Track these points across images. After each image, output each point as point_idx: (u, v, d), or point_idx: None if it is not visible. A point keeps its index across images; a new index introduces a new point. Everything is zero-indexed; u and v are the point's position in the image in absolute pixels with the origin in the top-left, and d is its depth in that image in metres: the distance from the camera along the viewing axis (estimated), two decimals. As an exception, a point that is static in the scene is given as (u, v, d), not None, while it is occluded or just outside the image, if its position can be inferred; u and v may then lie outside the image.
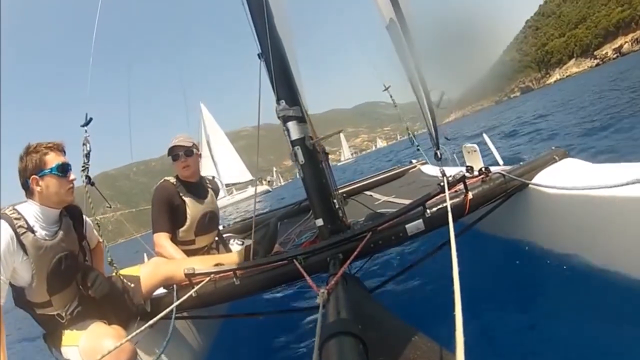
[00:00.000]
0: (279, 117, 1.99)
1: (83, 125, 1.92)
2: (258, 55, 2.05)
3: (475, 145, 2.44)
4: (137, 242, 2.71)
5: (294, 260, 1.73)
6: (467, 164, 2.43)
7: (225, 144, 37.04)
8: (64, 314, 1.65)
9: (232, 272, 1.79)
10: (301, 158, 1.96)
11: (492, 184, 1.87)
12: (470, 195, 1.80)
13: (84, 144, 1.90)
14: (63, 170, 1.62)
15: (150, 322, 1.42)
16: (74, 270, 1.70)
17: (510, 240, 2.19)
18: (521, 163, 2.07)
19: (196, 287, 1.76)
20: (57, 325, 1.66)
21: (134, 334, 1.43)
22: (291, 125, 1.97)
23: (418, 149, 3.97)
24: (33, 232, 1.55)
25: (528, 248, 2.04)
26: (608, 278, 1.55)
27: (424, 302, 1.90)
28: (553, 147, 2.15)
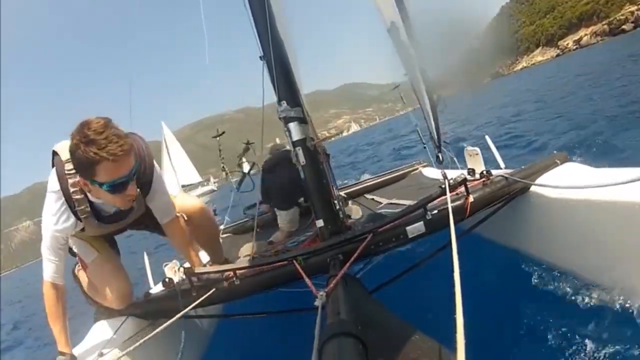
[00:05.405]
0: (280, 118, 1.99)
1: (215, 137, 2.47)
2: (260, 57, 2.06)
3: (477, 148, 2.44)
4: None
5: (294, 261, 1.73)
6: (469, 166, 2.42)
7: (180, 152, 47.66)
8: None
9: (232, 272, 1.79)
10: (302, 159, 1.96)
11: (493, 187, 1.86)
12: (471, 198, 1.79)
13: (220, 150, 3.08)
14: (115, 189, 1.40)
15: (162, 326, 1.47)
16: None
17: (511, 244, 2.19)
18: (522, 167, 2.06)
19: (196, 284, 1.77)
20: None
21: (143, 339, 1.43)
22: (292, 126, 1.97)
23: (425, 147, 3.70)
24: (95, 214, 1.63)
25: (529, 251, 2.04)
26: (608, 279, 1.55)
27: (424, 303, 1.89)
28: (554, 152, 2.15)
